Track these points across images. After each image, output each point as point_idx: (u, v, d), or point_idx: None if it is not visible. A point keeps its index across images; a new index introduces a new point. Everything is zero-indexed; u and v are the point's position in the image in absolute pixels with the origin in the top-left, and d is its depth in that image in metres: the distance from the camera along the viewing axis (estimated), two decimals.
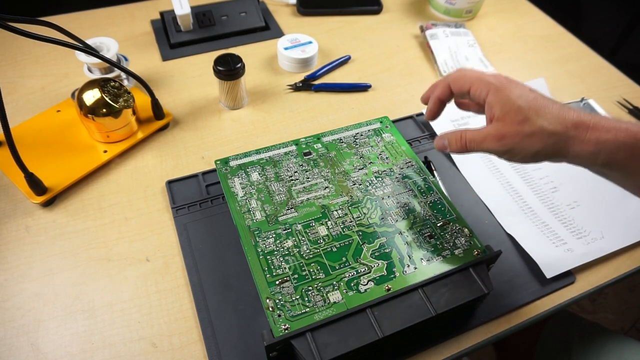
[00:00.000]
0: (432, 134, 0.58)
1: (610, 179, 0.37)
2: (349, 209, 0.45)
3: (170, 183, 0.52)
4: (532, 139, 0.34)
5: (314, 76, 0.66)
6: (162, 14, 0.72)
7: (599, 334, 0.55)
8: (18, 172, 0.45)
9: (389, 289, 0.38)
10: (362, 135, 0.53)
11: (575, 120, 0.34)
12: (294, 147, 0.51)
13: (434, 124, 0.58)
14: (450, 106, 0.61)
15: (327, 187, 0.47)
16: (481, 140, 0.37)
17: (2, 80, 0.63)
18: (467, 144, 0.38)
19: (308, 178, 0.48)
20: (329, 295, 0.38)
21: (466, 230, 0.43)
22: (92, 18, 0.74)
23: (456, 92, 0.40)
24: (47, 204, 0.49)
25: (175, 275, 0.45)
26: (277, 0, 0.80)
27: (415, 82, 0.67)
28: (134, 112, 0.54)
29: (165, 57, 0.68)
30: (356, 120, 0.56)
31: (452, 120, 0.60)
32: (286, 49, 0.66)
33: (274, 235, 0.42)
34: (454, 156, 0.55)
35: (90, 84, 0.50)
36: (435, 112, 0.42)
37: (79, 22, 0.73)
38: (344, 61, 0.69)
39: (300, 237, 0.42)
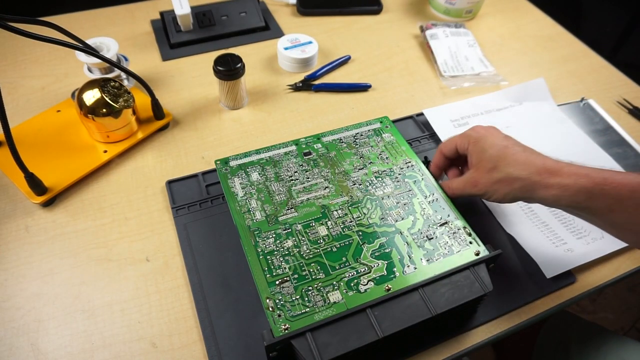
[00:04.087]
0: (432, 134, 0.58)
1: (581, 218, 0.40)
2: (349, 209, 0.45)
3: (170, 183, 0.52)
4: (501, 184, 0.40)
5: (314, 76, 0.66)
6: (162, 14, 0.72)
7: (597, 334, 0.55)
8: (18, 172, 0.46)
9: (389, 289, 0.38)
10: (362, 135, 0.53)
11: (540, 166, 0.38)
12: (294, 147, 0.51)
13: (435, 126, 0.58)
14: (450, 106, 0.62)
15: (327, 187, 0.47)
16: (462, 188, 0.43)
17: (2, 80, 0.63)
18: (454, 191, 0.44)
19: (308, 178, 0.48)
20: (329, 295, 0.38)
21: (466, 230, 0.43)
22: (92, 18, 0.74)
23: (449, 155, 0.46)
24: (47, 204, 0.49)
25: (175, 275, 0.45)
26: (277, 0, 0.80)
27: (415, 82, 0.67)
28: (134, 112, 0.54)
29: (165, 57, 0.68)
30: (356, 120, 0.56)
31: (451, 120, 0.60)
32: (286, 49, 0.66)
33: (274, 235, 0.42)
34: None
35: (90, 84, 0.50)
36: (440, 166, 0.47)
37: (79, 22, 0.73)
38: (344, 61, 0.69)
39: (300, 237, 0.42)
